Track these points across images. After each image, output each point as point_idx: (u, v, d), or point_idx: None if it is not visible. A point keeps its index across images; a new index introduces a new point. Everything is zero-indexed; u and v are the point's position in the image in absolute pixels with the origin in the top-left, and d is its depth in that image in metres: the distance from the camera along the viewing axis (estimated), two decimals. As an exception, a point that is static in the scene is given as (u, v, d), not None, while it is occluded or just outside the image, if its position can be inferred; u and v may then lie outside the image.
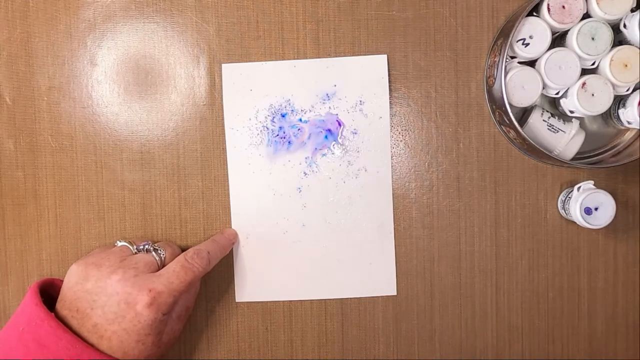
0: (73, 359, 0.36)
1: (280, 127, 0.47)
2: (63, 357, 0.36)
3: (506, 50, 0.42)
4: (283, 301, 0.49)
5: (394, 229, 0.48)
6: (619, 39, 0.44)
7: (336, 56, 0.47)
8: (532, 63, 0.44)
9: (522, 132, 0.43)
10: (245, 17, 0.47)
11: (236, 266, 0.48)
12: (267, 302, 0.49)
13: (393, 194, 0.48)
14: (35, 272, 0.48)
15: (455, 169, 0.48)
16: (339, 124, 0.47)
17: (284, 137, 0.47)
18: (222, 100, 0.47)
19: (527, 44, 0.43)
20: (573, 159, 0.45)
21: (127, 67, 0.47)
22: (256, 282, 0.48)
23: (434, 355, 0.49)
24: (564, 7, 0.42)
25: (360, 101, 0.47)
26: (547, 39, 0.43)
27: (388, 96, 0.47)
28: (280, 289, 0.48)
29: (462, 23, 0.47)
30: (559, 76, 0.43)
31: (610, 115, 0.46)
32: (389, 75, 0.47)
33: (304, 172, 0.47)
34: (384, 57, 0.47)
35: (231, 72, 0.47)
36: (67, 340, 0.36)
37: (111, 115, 0.48)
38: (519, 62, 0.44)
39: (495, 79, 0.44)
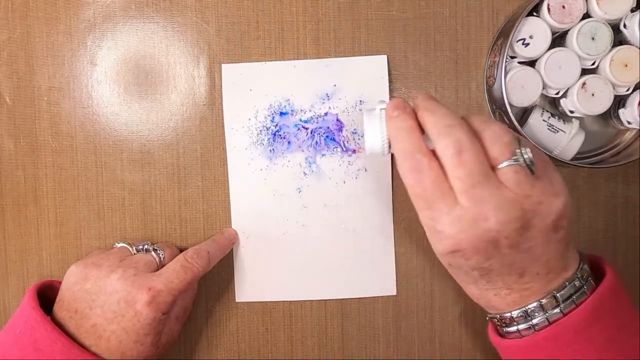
0: None
1: (280, 127, 0.47)
2: None
3: (506, 50, 0.42)
4: (283, 301, 0.48)
5: (394, 229, 0.48)
6: (619, 39, 0.44)
7: (336, 56, 0.47)
8: (532, 63, 0.44)
9: (522, 132, 0.43)
10: (245, 17, 0.47)
11: (236, 266, 0.48)
12: (267, 302, 0.48)
13: (393, 194, 0.48)
14: (36, 273, 0.48)
15: (455, 169, 0.48)
16: (339, 124, 0.47)
17: (284, 137, 0.47)
18: (222, 100, 0.47)
19: (527, 44, 0.43)
20: (573, 159, 0.45)
21: (127, 67, 0.47)
22: (256, 282, 0.48)
23: (434, 355, 0.49)
24: (564, 7, 0.42)
25: (360, 101, 0.47)
26: (547, 39, 0.43)
27: (388, 96, 0.47)
28: (280, 289, 0.48)
29: (462, 23, 0.47)
30: (559, 76, 0.43)
31: (610, 115, 0.46)
32: (389, 75, 0.47)
33: (304, 173, 0.47)
34: (384, 57, 0.47)
35: (231, 72, 0.47)
36: (62, 344, 0.36)
37: (111, 115, 0.48)
38: (519, 62, 0.44)
39: (495, 79, 0.44)
